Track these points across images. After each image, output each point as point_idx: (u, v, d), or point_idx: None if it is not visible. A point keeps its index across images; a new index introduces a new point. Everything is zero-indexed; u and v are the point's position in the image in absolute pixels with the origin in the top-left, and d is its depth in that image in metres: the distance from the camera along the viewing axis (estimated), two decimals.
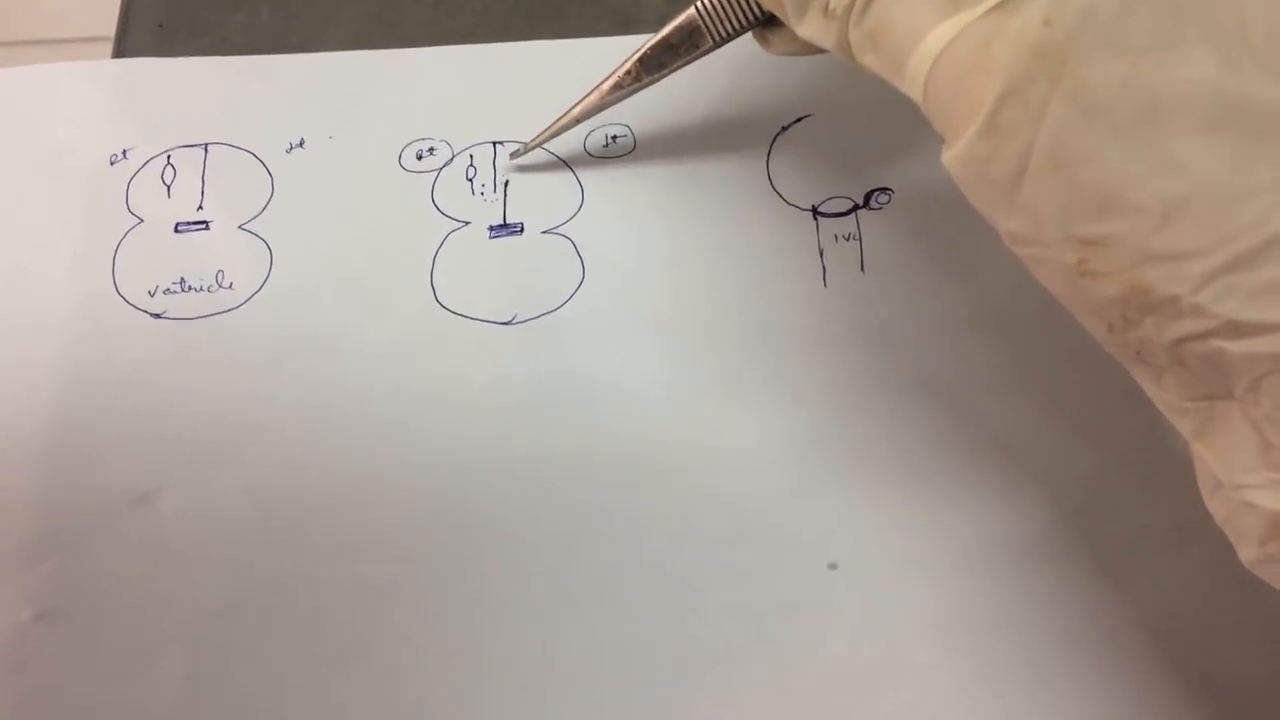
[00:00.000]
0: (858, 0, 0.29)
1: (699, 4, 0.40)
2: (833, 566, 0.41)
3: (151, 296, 0.45)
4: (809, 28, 0.32)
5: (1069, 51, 0.25)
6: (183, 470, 0.42)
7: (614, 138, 0.48)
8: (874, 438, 0.43)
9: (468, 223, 0.46)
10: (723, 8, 0.40)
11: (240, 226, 0.46)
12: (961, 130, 0.27)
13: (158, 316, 0.45)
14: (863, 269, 0.45)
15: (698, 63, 0.42)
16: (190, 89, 0.49)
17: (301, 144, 0.48)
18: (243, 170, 0.47)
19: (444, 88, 0.49)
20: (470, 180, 0.47)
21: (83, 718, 0.39)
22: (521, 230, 0.46)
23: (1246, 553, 0.27)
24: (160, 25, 0.51)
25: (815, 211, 0.46)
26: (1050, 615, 0.40)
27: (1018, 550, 0.41)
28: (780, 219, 0.46)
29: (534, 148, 0.47)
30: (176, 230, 0.46)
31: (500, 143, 0.48)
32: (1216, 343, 0.25)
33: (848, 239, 0.46)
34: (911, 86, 0.28)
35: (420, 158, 0.48)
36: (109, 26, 0.51)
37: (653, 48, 0.42)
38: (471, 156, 0.48)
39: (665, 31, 0.42)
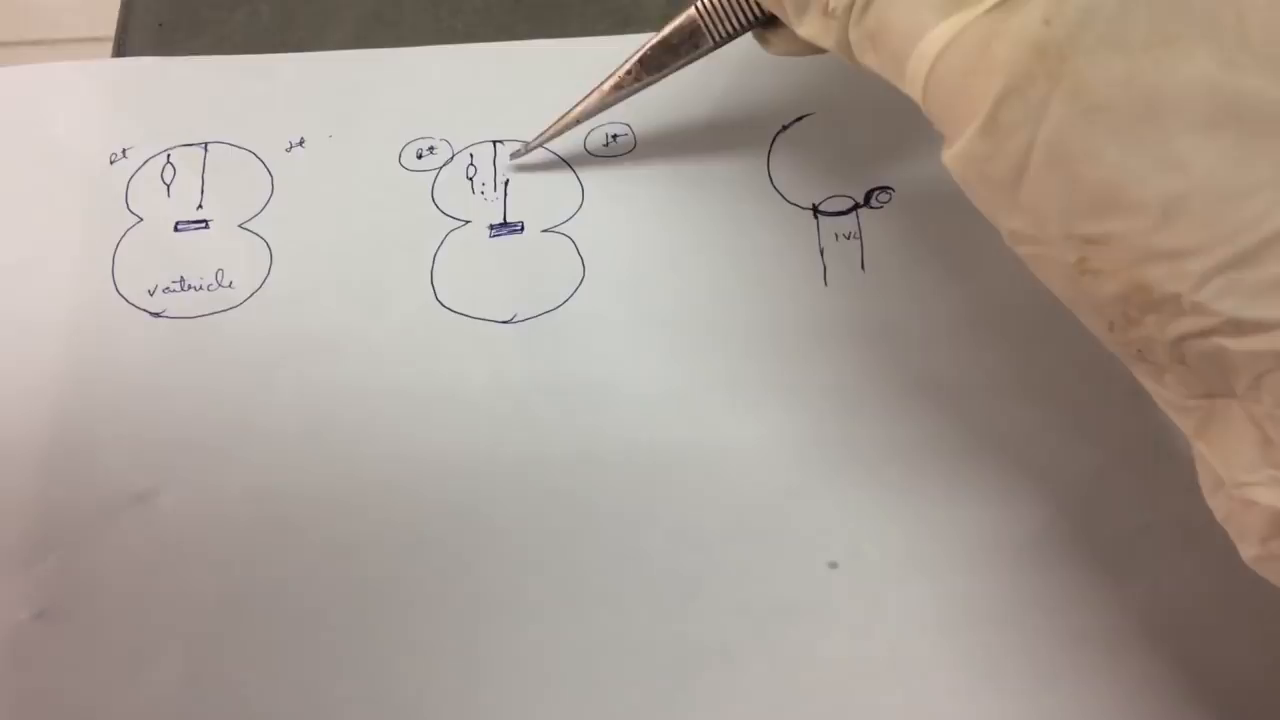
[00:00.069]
0: (858, 0, 0.29)
1: (699, 4, 0.40)
2: (833, 565, 0.41)
3: (151, 295, 0.45)
4: (809, 28, 0.32)
5: (1069, 50, 0.25)
6: (182, 469, 0.42)
7: (614, 136, 0.48)
8: (875, 436, 0.43)
9: (468, 222, 0.46)
10: (723, 8, 0.39)
11: (240, 225, 0.46)
12: (962, 129, 0.27)
13: (157, 315, 0.45)
14: (863, 267, 0.45)
15: (698, 61, 0.42)
16: (190, 88, 0.49)
17: (301, 143, 0.48)
18: (242, 169, 0.47)
19: (444, 87, 0.49)
20: (470, 179, 0.47)
21: (82, 717, 0.39)
22: (522, 229, 0.46)
23: (1248, 550, 0.27)
24: (160, 24, 0.51)
25: (816, 210, 0.46)
26: (1051, 614, 0.40)
27: (1019, 549, 0.41)
28: (781, 218, 0.46)
29: (534, 148, 0.47)
30: (176, 229, 0.46)
31: (500, 142, 0.48)
32: (1217, 340, 0.25)
33: (848, 238, 0.46)
34: (912, 86, 0.28)
35: (420, 156, 0.48)
36: (109, 26, 0.51)
37: (653, 48, 0.42)
38: (472, 155, 0.48)
39: (665, 32, 0.42)
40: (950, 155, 0.28)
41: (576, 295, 0.45)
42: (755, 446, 0.43)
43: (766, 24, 0.39)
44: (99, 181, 0.47)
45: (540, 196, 0.47)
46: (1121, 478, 0.42)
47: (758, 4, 0.38)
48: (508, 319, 0.45)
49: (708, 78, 0.47)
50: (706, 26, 0.40)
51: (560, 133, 0.45)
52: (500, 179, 0.47)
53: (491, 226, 0.46)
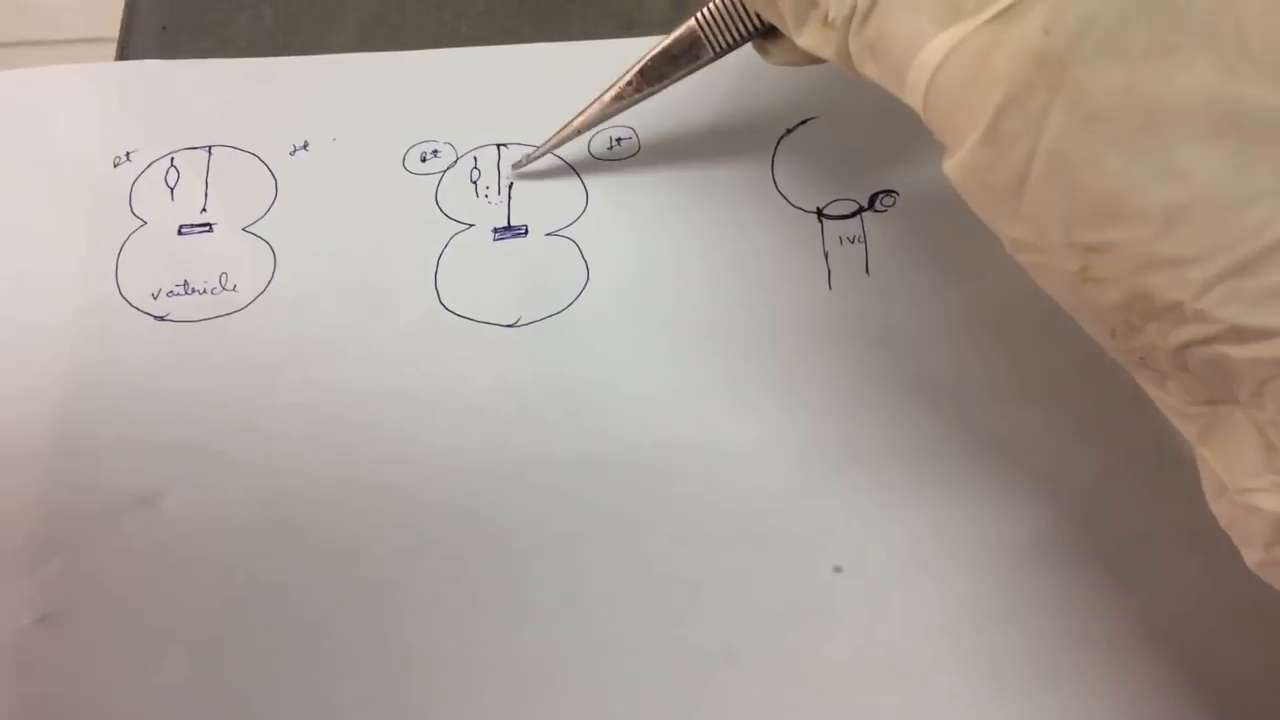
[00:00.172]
0: (857, 11, 0.29)
1: (699, 15, 0.40)
2: (838, 569, 0.41)
3: (155, 299, 0.45)
4: (809, 38, 0.32)
5: (1069, 60, 0.25)
6: (185, 472, 0.42)
7: (618, 140, 0.48)
8: (879, 440, 0.43)
9: (472, 225, 0.46)
10: (723, 19, 0.39)
11: (244, 229, 0.46)
12: (963, 139, 0.27)
13: (161, 319, 0.45)
14: (868, 271, 0.45)
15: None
16: (193, 91, 0.49)
17: (305, 146, 0.48)
18: (246, 172, 0.47)
19: (448, 90, 0.49)
20: (474, 182, 0.47)
21: None
22: (526, 233, 0.46)
23: (1251, 556, 0.27)
24: (164, 27, 0.51)
25: (820, 214, 0.46)
26: (1055, 617, 0.40)
27: (1023, 552, 0.41)
28: (785, 221, 0.46)
29: (535, 159, 0.47)
30: (180, 232, 0.46)
31: (504, 145, 0.48)
32: (1220, 348, 0.25)
33: (853, 241, 0.46)
34: (912, 96, 0.28)
35: (424, 160, 0.48)
36: (109, 27, 0.52)
37: (653, 59, 0.42)
38: (475, 159, 0.48)
39: (666, 43, 0.42)
40: (951, 165, 0.28)
41: (581, 299, 0.45)
42: (759, 449, 0.43)
43: (766, 34, 0.39)
44: (102, 185, 0.47)
45: (544, 200, 0.47)
46: (1125, 480, 0.42)
47: (758, 15, 0.38)
48: (511, 322, 0.45)
49: (712, 81, 0.47)
50: (707, 37, 0.40)
51: (560, 144, 0.45)
52: (504, 182, 0.47)
53: (495, 230, 0.46)
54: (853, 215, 0.46)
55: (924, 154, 0.47)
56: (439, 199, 0.47)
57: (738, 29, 0.40)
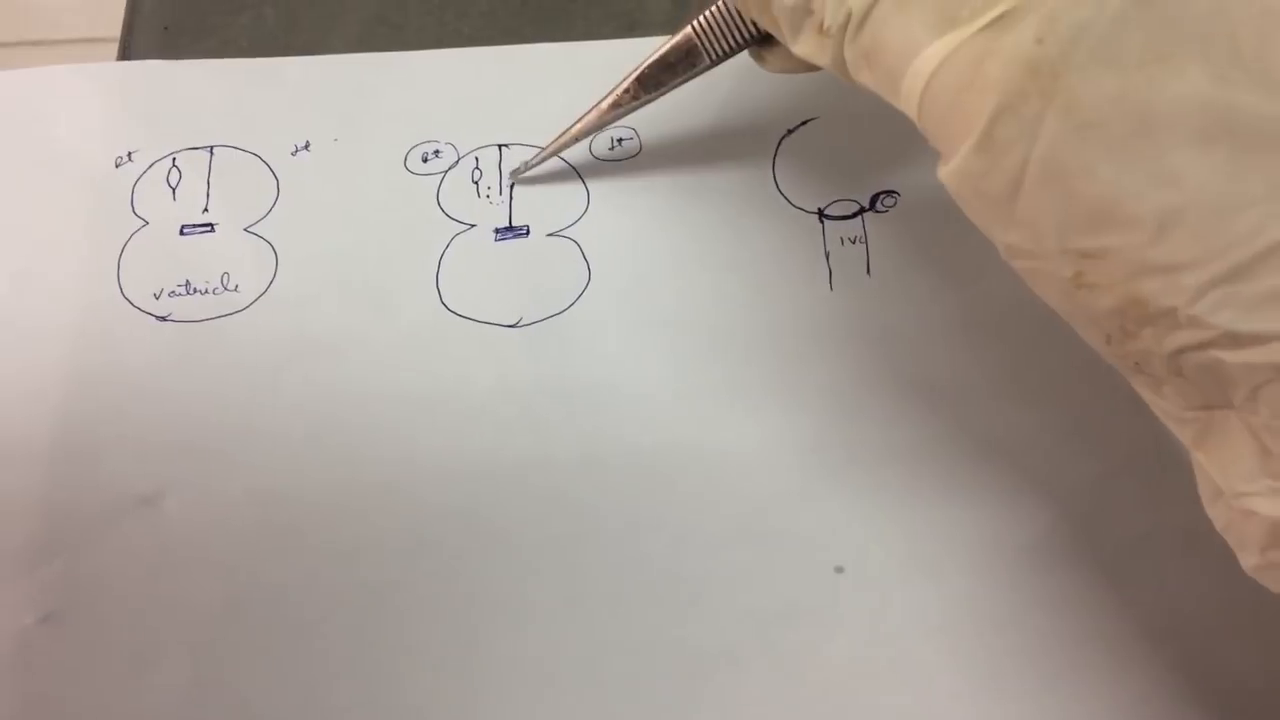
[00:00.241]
0: (852, 19, 0.29)
1: (696, 23, 0.40)
2: (839, 570, 0.41)
3: (156, 299, 0.45)
4: (804, 46, 0.32)
5: (1062, 68, 0.25)
6: (187, 473, 0.42)
7: (619, 141, 0.48)
8: (880, 441, 0.43)
9: (473, 225, 0.46)
10: (719, 27, 0.40)
11: (245, 229, 0.46)
12: (957, 146, 0.27)
13: (163, 319, 0.45)
14: (869, 272, 0.45)
15: None
16: (195, 92, 0.49)
17: (306, 146, 0.48)
18: (248, 173, 0.48)
19: (449, 90, 0.49)
20: (476, 183, 0.47)
21: None
22: (527, 233, 0.46)
23: (1248, 560, 0.27)
24: (165, 28, 0.51)
25: (821, 215, 0.46)
26: (1054, 618, 0.40)
27: (1022, 554, 0.41)
28: (786, 222, 0.46)
29: (534, 166, 0.47)
30: (182, 233, 0.46)
31: (506, 145, 0.48)
32: (1214, 353, 0.25)
33: (854, 242, 0.46)
34: (907, 104, 0.28)
35: (425, 160, 0.48)
36: (109, 27, 0.52)
37: (651, 67, 0.42)
38: (477, 159, 0.48)
39: (663, 51, 0.42)
40: (946, 172, 0.28)
41: (582, 299, 0.45)
42: (760, 450, 0.43)
43: (762, 42, 0.39)
44: (104, 185, 0.47)
45: (545, 200, 0.47)
46: (1124, 482, 0.42)
47: (754, 23, 0.38)
48: (513, 323, 0.45)
49: (713, 82, 0.46)
50: (703, 45, 0.41)
51: (559, 150, 0.46)
52: (505, 183, 0.47)
53: (497, 230, 0.46)
54: (854, 216, 0.46)
55: (925, 155, 0.46)
56: (440, 199, 0.47)
57: (734, 37, 0.40)
